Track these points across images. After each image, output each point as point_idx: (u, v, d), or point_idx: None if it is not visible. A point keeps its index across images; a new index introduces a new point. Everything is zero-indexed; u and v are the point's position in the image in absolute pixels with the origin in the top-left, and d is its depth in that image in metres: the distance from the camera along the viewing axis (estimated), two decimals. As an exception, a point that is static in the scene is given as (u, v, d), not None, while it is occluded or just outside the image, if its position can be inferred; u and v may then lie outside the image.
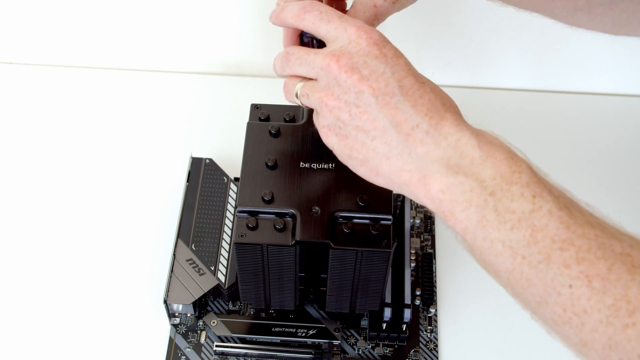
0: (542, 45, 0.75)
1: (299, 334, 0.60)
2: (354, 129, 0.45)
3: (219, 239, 0.63)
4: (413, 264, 0.65)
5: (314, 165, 0.54)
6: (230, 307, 0.63)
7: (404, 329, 0.60)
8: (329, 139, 0.47)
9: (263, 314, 0.63)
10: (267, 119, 0.57)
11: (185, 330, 0.62)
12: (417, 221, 0.69)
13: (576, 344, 0.38)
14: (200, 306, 0.63)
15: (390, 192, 0.52)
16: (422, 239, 0.68)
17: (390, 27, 0.75)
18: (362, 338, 0.62)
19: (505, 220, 0.40)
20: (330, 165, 0.54)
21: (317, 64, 0.46)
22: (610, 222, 0.39)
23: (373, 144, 0.45)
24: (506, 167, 0.41)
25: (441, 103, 0.44)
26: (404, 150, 0.43)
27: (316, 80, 0.47)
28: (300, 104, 0.49)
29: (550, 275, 0.38)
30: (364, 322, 0.63)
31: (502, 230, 0.40)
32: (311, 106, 0.48)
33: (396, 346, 0.62)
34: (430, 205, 0.43)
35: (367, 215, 0.51)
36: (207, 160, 0.68)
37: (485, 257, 0.41)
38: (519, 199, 0.40)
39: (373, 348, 0.61)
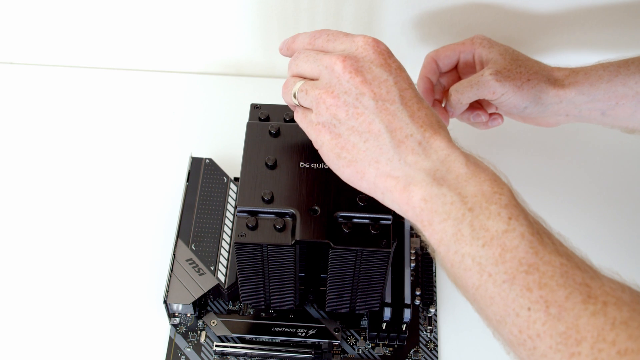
0: (540, 45, 0.75)
1: (299, 334, 0.60)
2: (348, 129, 0.46)
3: (219, 239, 0.63)
4: (413, 264, 0.65)
5: (313, 165, 0.54)
6: (230, 307, 0.63)
7: (403, 328, 0.60)
8: (321, 136, 0.47)
9: (263, 314, 0.63)
10: (267, 119, 0.57)
11: (185, 330, 0.62)
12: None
13: None
14: (200, 306, 0.63)
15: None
16: (421, 239, 0.68)
17: (390, 28, 0.75)
18: (362, 338, 0.62)
19: (479, 237, 0.40)
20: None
21: (323, 63, 0.47)
22: (578, 254, 0.40)
23: (365, 146, 0.45)
24: (488, 187, 0.42)
25: (436, 120, 0.46)
26: (395, 156, 0.44)
27: (318, 80, 0.48)
28: (295, 103, 0.49)
29: (512, 296, 0.39)
30: (364, 322, 0.63)
31: (474, 246, 0.40)
32: (306, 104, 0.48)
33: (396, 346, 0.62)
34: (410, 214, 0.44)
35: (367, 215, 0.51)
36: (207, 160, 0.68)
37: (455, 271, 0.42)
38: (495, 218, 0.40)
39: (373, 348, 0.61)
